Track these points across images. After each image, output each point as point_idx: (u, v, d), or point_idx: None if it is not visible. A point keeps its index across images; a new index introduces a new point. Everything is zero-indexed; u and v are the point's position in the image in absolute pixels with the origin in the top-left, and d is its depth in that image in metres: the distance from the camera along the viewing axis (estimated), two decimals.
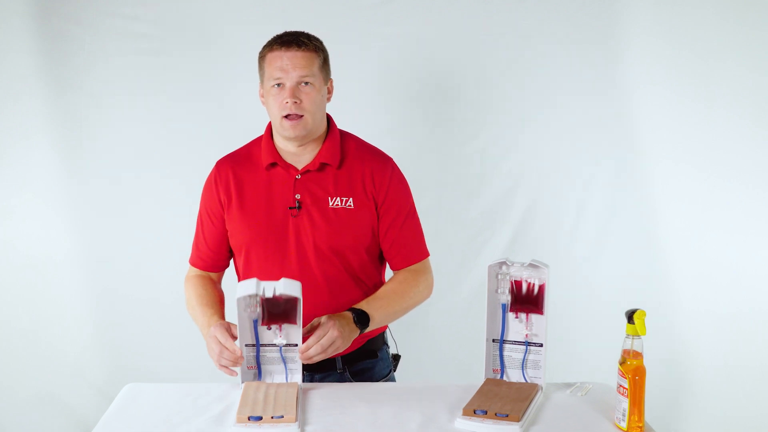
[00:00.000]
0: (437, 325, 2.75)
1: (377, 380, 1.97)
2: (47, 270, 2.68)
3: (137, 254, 2.69)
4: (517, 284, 1.72)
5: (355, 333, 1.76)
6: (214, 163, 1.99)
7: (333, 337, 1.68)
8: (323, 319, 1.72)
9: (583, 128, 2.67)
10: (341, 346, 1.71)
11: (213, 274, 2.01)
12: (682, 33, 2.53)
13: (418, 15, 2.61)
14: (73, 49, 2.58)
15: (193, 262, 2.01)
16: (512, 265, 1.72)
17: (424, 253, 1.97)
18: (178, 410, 1.63)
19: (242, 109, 2.61)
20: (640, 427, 1.52)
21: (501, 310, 1.74)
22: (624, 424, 1.52)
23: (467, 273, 2.73)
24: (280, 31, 1.88)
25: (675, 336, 2.65)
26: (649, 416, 1.57)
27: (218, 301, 1.92)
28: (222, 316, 1.86)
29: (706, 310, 2.61)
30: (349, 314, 1.77)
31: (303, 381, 1.73)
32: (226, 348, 1.67)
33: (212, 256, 1.97)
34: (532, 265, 1.70)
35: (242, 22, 2.60)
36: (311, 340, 1.68)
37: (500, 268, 1.73)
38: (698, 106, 2.55)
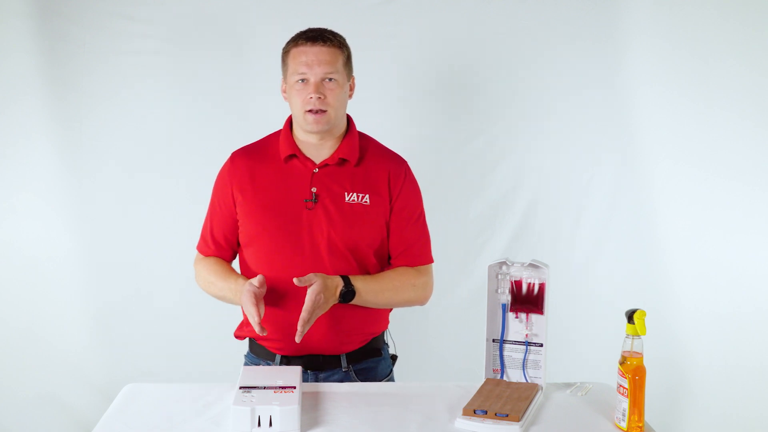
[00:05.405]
0: (437, 326, 2.75)
1: (380, 379, 1.97)
2: (47, 270, 2.68)
3: (138, 254, 2.69)
4: (517, 284, 1.72)
5: (333, 302, 1.78)
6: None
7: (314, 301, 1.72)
8: (314, 284, 1.73)
9: (583, 128, 2.67)
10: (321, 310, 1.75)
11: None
12: (682, 33, 2.53)
13: (416, 17, 2.61)
14: (73, 49, 2.57)
15: (201, 250, 2.01)
16: (512, 265, 1.73)
17: (428, 258, 1.99)
18: (178, 410, 1.63)
19: (243, 109, 2.61)
20: (640, 427, 1.52)
21: (501, 310, 1.74)
22: (624, 424, 1.52)
23: (467, 273, 2.72)
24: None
25: (675, 336, 2.65)
26: (649, 416, 1.57)
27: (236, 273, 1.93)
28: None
29: (706, 310, 2.60)
30: (338, 284, 1.79)
31: (307, 380, 1.71)
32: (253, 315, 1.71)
33: (220, 245, 1.97)
34: (532, 265, 1.71)
35: (243, 22, 2.60)
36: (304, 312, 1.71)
37: (500, 268, 1.74)
38: (698, 106, 2.55)
